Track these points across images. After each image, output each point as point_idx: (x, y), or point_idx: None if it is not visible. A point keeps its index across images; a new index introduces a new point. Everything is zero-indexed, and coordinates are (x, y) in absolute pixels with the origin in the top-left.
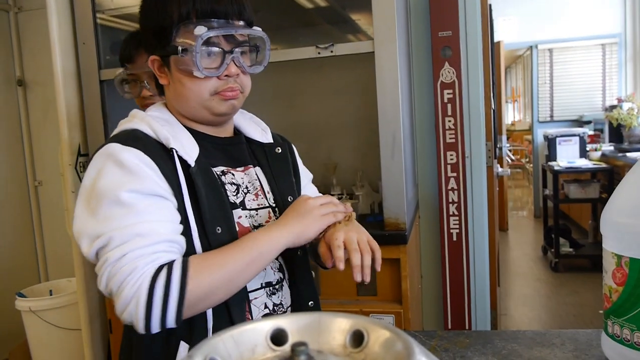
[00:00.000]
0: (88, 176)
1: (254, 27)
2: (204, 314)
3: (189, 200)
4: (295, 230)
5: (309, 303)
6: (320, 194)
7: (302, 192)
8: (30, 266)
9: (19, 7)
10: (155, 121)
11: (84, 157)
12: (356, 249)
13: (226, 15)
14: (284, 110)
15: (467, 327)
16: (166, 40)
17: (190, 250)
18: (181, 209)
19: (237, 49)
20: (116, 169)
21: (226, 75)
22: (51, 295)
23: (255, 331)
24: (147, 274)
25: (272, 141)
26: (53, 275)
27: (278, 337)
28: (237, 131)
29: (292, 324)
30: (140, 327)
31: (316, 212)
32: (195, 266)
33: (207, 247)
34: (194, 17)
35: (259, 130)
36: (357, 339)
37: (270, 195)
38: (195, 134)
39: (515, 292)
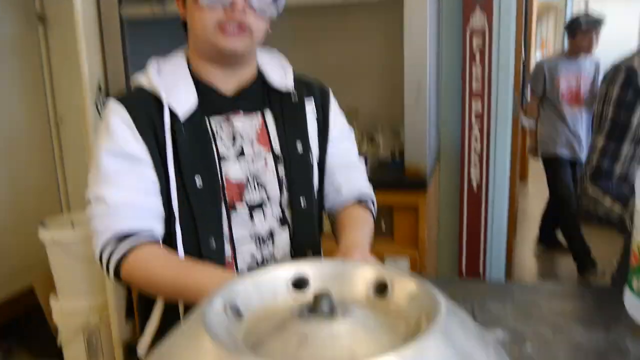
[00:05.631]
0: None
1: None
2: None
3: (171, 153)
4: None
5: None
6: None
7: (334, 147)
8: (52, 199)
9: None
10: (155, 73)
11: (104, 95)
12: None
13: None
14: (306, 55)
15: (481, 275)
16: None
17: (166, 203)
18: (163, 162)
19: None
20: (104, 129)
21: (232, 7)
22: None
23: (277, 276)
24: (99, 241)
25: (290, 87)
26: (75, 206)
27: (300, 284)
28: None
29: (315, 270)
30: None
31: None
32: (134, 262)
33: (184, 200)
34: None
35: (280, 75)
36: (381, 289)
37: (276, 142)
38: (202, 84)
39: (532, 240)
